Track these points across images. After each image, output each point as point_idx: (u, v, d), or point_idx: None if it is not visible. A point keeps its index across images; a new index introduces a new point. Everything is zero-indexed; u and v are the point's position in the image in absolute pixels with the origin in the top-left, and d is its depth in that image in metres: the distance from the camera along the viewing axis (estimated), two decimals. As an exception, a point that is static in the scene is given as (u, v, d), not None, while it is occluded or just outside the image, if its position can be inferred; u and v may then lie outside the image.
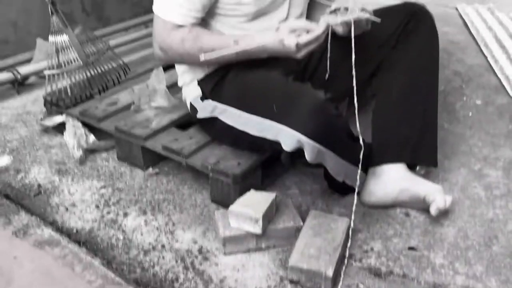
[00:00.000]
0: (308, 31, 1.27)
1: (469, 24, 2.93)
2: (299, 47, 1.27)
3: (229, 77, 1.39)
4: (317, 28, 1.27)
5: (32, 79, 2.23)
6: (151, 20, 2.74)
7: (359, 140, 1.26)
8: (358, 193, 1.43)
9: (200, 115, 1.48)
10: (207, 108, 1.45)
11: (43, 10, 2.18)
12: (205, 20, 1.40)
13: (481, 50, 2.59)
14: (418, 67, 1.47)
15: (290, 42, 1.26)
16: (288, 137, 1.22)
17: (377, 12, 1.40)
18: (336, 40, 1.31)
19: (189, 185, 1.58)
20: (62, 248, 1.29)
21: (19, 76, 2.09)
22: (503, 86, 2.21)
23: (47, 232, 1.34)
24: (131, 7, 2.83)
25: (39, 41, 2.31)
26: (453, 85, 2.22)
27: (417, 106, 1.46)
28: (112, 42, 2.43)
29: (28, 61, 2.30)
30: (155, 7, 1.36)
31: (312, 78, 1.52)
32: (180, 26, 1.33)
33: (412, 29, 1.49)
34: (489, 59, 2.48)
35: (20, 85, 2.15)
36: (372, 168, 1.47)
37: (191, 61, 1.41)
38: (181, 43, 1.33)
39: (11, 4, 2.28)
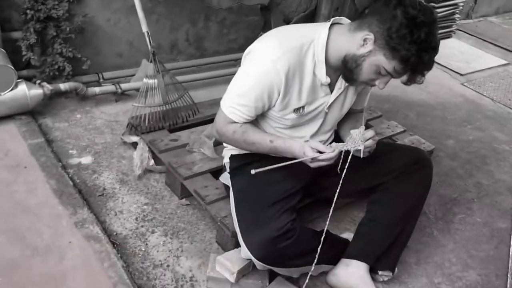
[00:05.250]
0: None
1: (522, 136, 3.09)
2: (313, 160, 1.64)
3: (248, 169, 1.69)
4: (328, 153, 1.61)
5: (130, 91, 2.82)
6: (241, 58, 3.26)
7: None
8: (326, 273, 1.85)
9: (222, 179, 1.95)
10: (227, 180, 1.90)
11: (154, 36, 2.71)
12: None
13: (517, 167, 2.78)
14: (406, 203, 1.85)
15: (309, 154, 1.62)
16: (244, 251, 1.65)
17: (392, 146, 1.83)
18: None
19: (206, 222, 2.06)
20: (101, 245, 1.83)
21: (119, 91, 2.69)
22: (512, 210, 2.43)
23: (96, 229, 1.88)
24: (227, 43, 3.34)
25: (144, 61, 2.88)
26: (466, 197, 2.48)
27: (393, 230, 1.84)
28: (200, 75, 2.97)
29: (133, 75, 2.89)
30: (222, 103, 1.74)
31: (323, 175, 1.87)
32: (235, 122, 1.74)
33: (413, 171, 1.86)
34: (518, 179, 2.68)
35: (119, 95, 2.75)
36: (344, 259, 1.85)
37: (236, 146, 1.84)
38: (232, 134, 1.74)
39: (131, 28, 2.87)
